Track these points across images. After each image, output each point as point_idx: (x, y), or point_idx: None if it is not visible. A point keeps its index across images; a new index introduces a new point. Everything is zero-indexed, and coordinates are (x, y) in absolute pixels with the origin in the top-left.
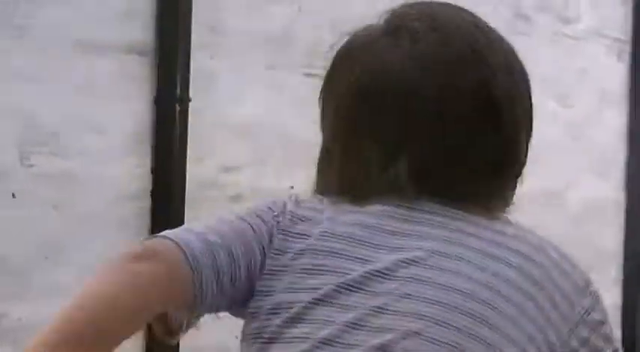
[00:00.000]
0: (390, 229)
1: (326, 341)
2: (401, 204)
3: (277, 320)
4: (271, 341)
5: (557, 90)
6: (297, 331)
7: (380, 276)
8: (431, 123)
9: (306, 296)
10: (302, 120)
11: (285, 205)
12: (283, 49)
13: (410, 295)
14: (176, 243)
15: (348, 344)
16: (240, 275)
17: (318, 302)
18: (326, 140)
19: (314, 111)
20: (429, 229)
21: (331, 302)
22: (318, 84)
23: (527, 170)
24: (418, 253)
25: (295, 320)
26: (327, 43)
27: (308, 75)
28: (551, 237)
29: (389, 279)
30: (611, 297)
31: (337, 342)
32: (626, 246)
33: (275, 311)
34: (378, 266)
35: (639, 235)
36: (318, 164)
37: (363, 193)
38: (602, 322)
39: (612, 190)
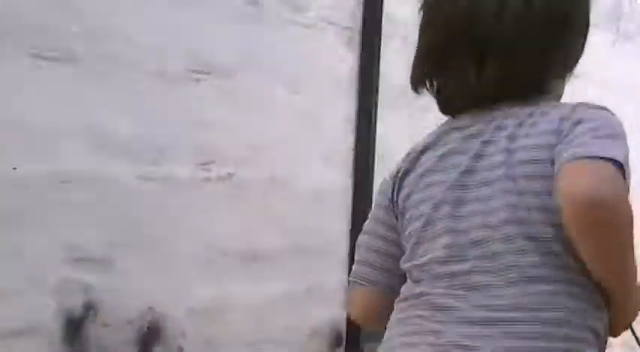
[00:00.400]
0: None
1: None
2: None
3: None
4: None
5: (287, 78)
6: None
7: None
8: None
9: (426, 207)
10: None
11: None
12: None
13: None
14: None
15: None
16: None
17: (436, 207)
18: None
19: None
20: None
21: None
22: None
23: (261, 156)
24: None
25: (428, 222)
26: None
27: None
28: (280, 223)
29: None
30: (338, 278)
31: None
32: (352, 230)
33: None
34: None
35: (364, 218)
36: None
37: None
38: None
39: (340, 177)
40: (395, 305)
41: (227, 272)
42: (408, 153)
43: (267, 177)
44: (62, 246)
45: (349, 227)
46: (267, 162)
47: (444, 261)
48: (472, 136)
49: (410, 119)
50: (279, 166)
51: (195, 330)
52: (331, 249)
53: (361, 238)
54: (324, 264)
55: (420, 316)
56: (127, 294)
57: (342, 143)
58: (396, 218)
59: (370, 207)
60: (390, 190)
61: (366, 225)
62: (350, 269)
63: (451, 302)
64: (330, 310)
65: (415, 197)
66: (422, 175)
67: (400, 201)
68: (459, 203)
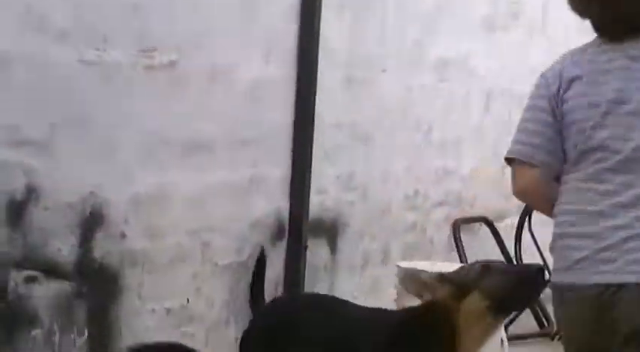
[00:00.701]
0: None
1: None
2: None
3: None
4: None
5: None
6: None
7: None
8: None
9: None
10: None
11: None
12: None
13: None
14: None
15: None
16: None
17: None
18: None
19: None
20: None
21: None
22: None
23: (204, 45)
24: None
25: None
26: None
27: None
28: (223, 113)
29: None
30: (281, 170)
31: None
32: (295, 122)
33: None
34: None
35: (308, 109)
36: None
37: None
38: None
39: (283, 68)
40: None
41: (169, 160)
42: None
43: (209, 66)
44: (2, 128)
45: (292, 119)
46: (210, 51)
47: (605, 147)
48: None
49: (353, 20)
50: (221, 56)
51: (137, 217)
52: (274, 141)
53: (523, 124)
54: (266, 155)
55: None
56: (69, 178)
57: (285, 34)
58: (557, 107)
59: (315, 98)
60: (555, 86)
61: (526, 112)
62: (293, 162)
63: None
64: (273, 202)
65: (579, 90)
66: (584, 76)
67: (563, 94)
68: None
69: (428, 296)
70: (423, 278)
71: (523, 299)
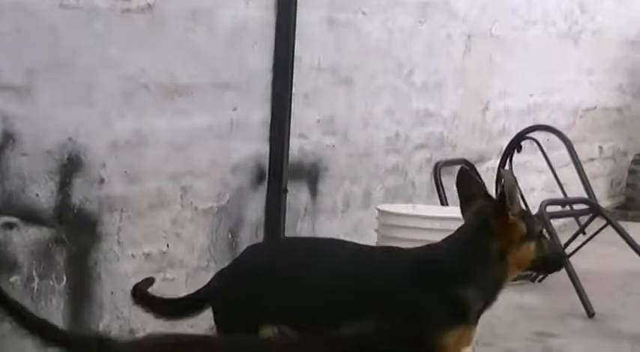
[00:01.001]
0: None
1: None
2: None
3: None
4: None
5: None
6: None
7: None
8: None
9: None
10: None
11: None
12: None
13: None
14: None
15: None
16: None
17: None
18: None
19: None
20: None
21: None
22: None
23: None
24: None
25: None
26: None
27: None
28: (201, 57)
29: None
30: (261, 113)
31: None
32: (275, 63)
33: None
34: None
35: (288, 52)
36: None
37: None
38: None
39: (262, 12)
40: None
41: (148, 105)
42: None
43: (187, 10)
44: None
45: (272, 62)
46: None
47: None
48: None
49: None
50: None
51: (116, 162)
52: (254, 85)
53: None
54: (246, 99)
55: None
56: (47, 124)
57: None
58: None
59: (294, 41)
60: None
61: None
62: (273, 106)
63: None
64: (253, 145)
65: None
66: None
67: None
68: None
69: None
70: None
71: (548, 270)
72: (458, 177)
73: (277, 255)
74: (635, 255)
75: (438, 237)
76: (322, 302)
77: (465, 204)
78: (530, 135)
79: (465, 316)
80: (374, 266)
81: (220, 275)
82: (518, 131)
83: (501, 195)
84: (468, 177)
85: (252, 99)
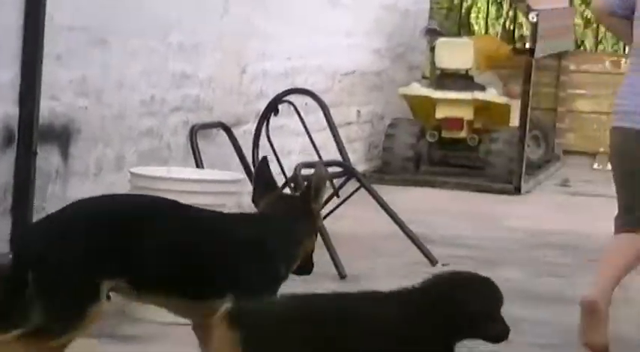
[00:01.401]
0: None
1: None
2: None
3: None
4: None
5: None
6: None
7: None
8: None
9: None
10: None
11: None
12: None
13: None
14: None
15: None
16: None
17: None
18: None
19: None
20: None
21: None
22: None
23: None
24: None
25: None
26: None
27: None
28: None
29: None
30: (10, 74)
31: None
32: (25, 21)
33: None
34: None
35: (39, 10)
36: None
37: None
38: None
39: None
40: None
41: None
42: None
43: None
44: None
45: (21, 22)
46: None
47: None
48: None
49: None
50: None
51: None
52: (2, 44)
53: None
54: None
55: None
56: None
57: None
58: None
59: (45, 4)
60: None
61: None
62: (23, 65)
63: None
64: (1, 107)
65: None
66: None
67: None
68: None
69: None
70: None
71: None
72: (258, 168)
73: (106, 212)
74: (388, 218)
75: (190, 200)
76: (165, 258)
77: (260, 192)
78: (288, 98)
79: None
80: (216, 226)
81: (38, 237)
82: (276, 94)
83: (307, 188)
84: (268, 169)
85: (0, 59)
